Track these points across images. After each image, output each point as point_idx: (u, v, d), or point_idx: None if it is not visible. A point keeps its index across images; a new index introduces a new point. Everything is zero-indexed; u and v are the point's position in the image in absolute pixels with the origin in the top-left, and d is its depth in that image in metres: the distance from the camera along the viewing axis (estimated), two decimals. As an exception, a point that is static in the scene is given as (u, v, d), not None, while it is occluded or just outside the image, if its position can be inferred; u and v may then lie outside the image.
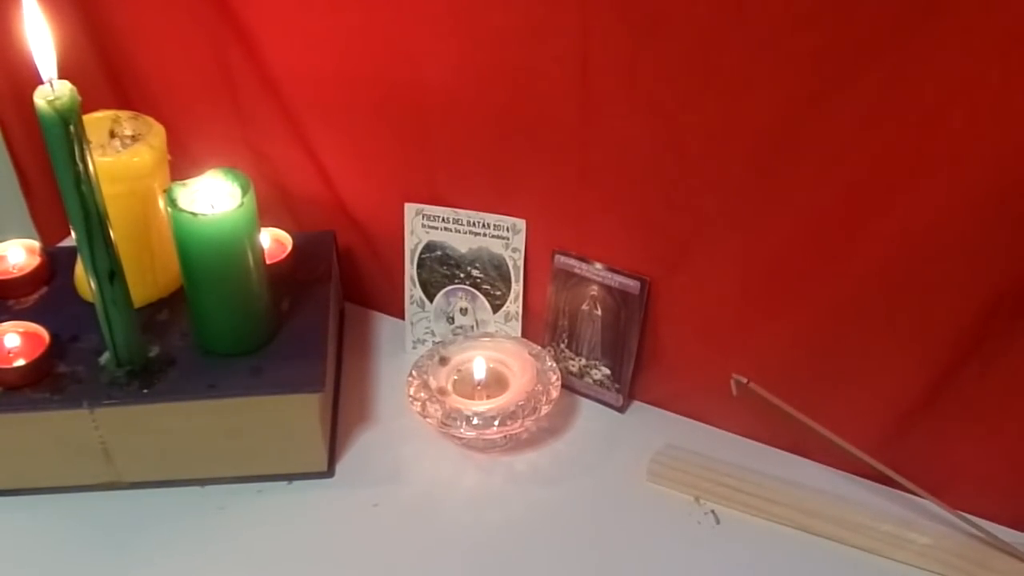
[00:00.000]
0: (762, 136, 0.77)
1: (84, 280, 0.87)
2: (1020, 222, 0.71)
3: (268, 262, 0.92)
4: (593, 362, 0.96)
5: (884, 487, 0.87)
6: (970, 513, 0.84)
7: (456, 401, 0.92)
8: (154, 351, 0.89)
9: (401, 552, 0.85)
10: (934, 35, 0.67)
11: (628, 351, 0.93)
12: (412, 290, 1.01)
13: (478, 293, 0.99)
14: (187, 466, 0.89)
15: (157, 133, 0.90)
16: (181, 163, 0.92)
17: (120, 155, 0.87)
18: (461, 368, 0.96)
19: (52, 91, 0.73)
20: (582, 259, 0.92)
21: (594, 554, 0.84)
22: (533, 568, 0.83)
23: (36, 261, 0.97)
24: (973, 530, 0.83)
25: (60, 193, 0.76)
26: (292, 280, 0.96)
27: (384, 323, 1.07)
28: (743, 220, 0.82)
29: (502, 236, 0.95)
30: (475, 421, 0.89)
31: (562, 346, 0.97)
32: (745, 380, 0.85)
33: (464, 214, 0.95)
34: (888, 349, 0.81)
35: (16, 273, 0.96)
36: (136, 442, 0.87)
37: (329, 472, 0.91)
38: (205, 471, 0.90)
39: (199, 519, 0.88)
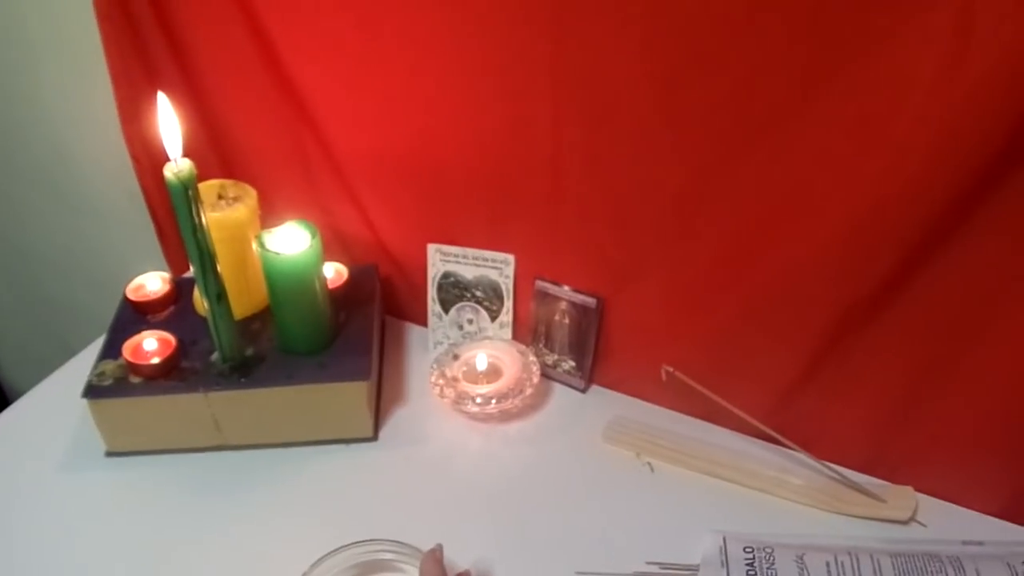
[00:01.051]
0: (682, 191, 0.76)
1: (200, 300, 0.90)
2: (863, 255, 0.70)
3: (330, 287, 0.92)
4: (563, 357, 0.95)
5: (771, 445, 0.87)
6: (831, 462, 0.84)
7: (465, 386, 0.92)
8: (250, 351, 0.88)
9: (428, 495, 0.85)
10: (806, 118, 0.67)
11: (588, 348, 0.92)
12: (433, 306, 1.00)
13: (480, 308, 0.98)
14: (275, 433, 0.88)
15: (251, 195, 0.90)
16: (268, 216, 0.91)
17: (225, 212, 0.87)
18: (468, 362, 0.95)
19: (176, 166, 0.73)
20: (555, 283, 0.92)
21: (565, 495, 0.84)
22: (522, 505, 0.83)
23: (167, 288, 0.96)
24: (832, 474, 0.83)
25: (182, 238, 0.76)
26: (347, 299, 0.95)
27: (413, 330, 1.05)
28: (670, 252, 0.81)
29: (497, 266, 0.94)
30: (479, 400, 0.90)
31: (541, 346, 0.97)
32: (671, 369, 0.85)
33: (470, 251, 0.95)
34: (775, 343, 0.80)
35: (153, 296, 0.95)
36: (238, 416, 0.87)
37: (375, 438, 0.90)
38: (287, 437, 0.89)
39: (283, 472, 0.87)
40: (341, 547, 0.72)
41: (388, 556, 0.73)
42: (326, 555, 0.71)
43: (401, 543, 0.72)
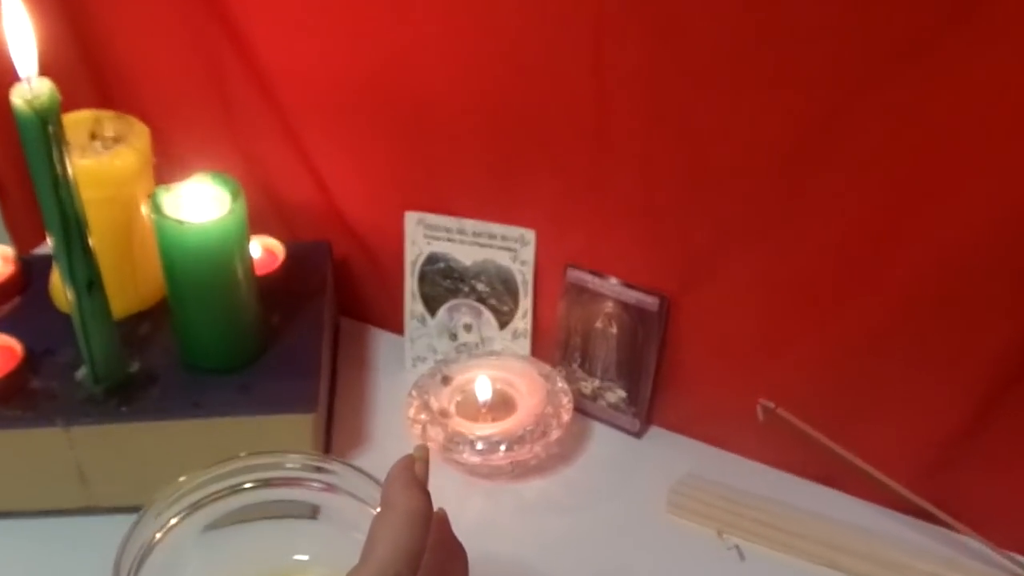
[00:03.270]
0: (788, 145, 0.77)
1: (60, 290, 0.87)
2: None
3: (258, 273, 0.92)
4: (608, 383, 0.96)
5: (922, 522, 0.87)
6: (1018, 553, 0.84)
7: (459, 424, 0.92)
8: (134, 367, 0.89)
9: None
10: (969, 39, 0.68)
11: (645, 372, 0.93)
12: (412, 305, 1.01)
13: (483, 308, 0.99)
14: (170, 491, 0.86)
15: (140, 134, 0.90)
16: (166, 167, 0.92)
17: (101, 158, 0.87)
18: (465, 388, 0.96)
19: (30, 89, 0.73)
20: (596, 273, 0.92)
21: None
22: None
23: (9, 269, 0.96)
24: (1021, 571, 0.83)
25: (36, 197, 0.77)
26: (284, 292, 0.96)
27: (382, 339, 1.07)
28: (768, 234, 0.82)
29: (510, 248, 0.95)
30: (479, 446, 0.89)
31: (574, 366, 0.97)
32: (772, 405, 0.85)
33: (469, 224, 0.96)
34: (925, 375, 0.81)
35: (-14, 282, 0.95)
36: (114, 464, 0.87)
37: None
38: None
39: (183, 546, 0.83)
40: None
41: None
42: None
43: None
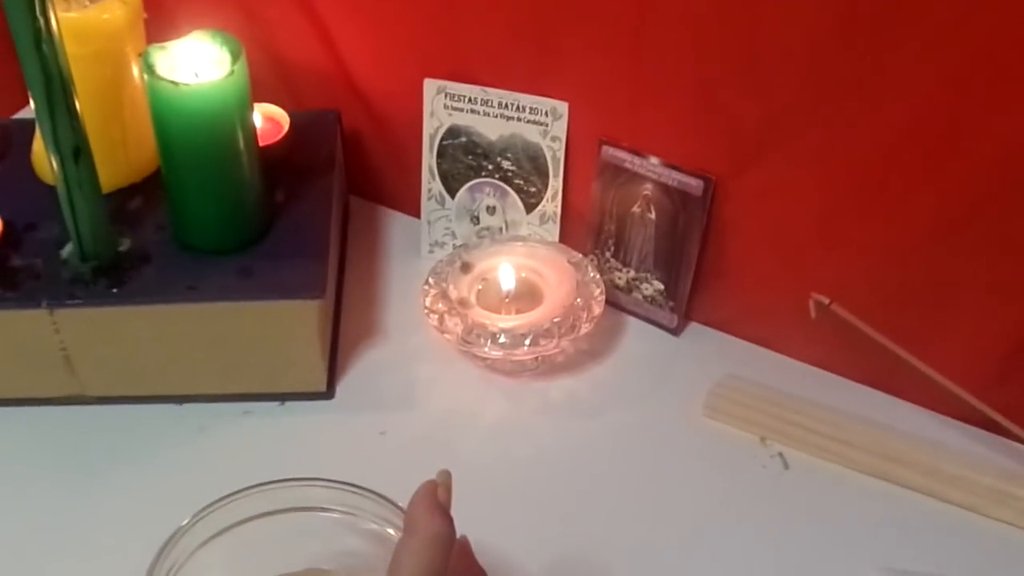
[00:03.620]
0: (854, 8, 0.76)
1: (44, 158, 0.87)
2: None
3: (261, 144, 0.92)
4: (644, 275, 0.96)
5: (985, 433, 0.88)
6: None
7: (480, 315, 0.92)
8: (125, 245, 0.89)
9: (410, 489, 0.83)
10: None
11: (686, 263, 0.93)
12: (430, 183, 1.01)
13: (509, 189, 0.99)
14: (162, 380, 0.90)
15: None
16: (160, 23, 0.92)
17: (88, 10, 0.87)
18: (487, 277, 0.96)
19: None
20: (634, 152, 0.92)
21: (637, 499, 0.84)
22: (565, 512, 0.83)
23: None
24: None
25: (17, 55, 0.76)
26: (289, 166, 0.97)
27: (396, 221, 1.07)
28: (829, 109, 0.82)
29: (540, 122, 0.95)
30: (502, 339, 0.89)
31: (607, 255, 0.97)
32: (827, 301, 0.85)
33: (495, 94, 0.95)
34: (996, 274, 0.82)
35: (-39, 149, 0.96)
36: (102, 350, 0.88)
37: (328, 393, 0.91)
38: (183, 387, 0.90)
39: (175, 441, 0.88)
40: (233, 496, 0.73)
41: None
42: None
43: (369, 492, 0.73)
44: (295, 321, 0.87)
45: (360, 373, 0.93)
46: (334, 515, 0.73)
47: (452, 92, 0.96)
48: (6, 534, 0.81)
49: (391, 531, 0.71)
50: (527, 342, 0.89)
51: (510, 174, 0.98)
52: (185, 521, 0.70)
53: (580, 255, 0.96)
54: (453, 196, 1.00)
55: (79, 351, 0.87)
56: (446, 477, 0.65)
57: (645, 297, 0.96)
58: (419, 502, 0.63)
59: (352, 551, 0.72)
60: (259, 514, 0.72)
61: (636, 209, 0.93)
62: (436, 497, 0.63)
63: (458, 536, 0.63)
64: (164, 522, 0.79)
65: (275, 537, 0.72)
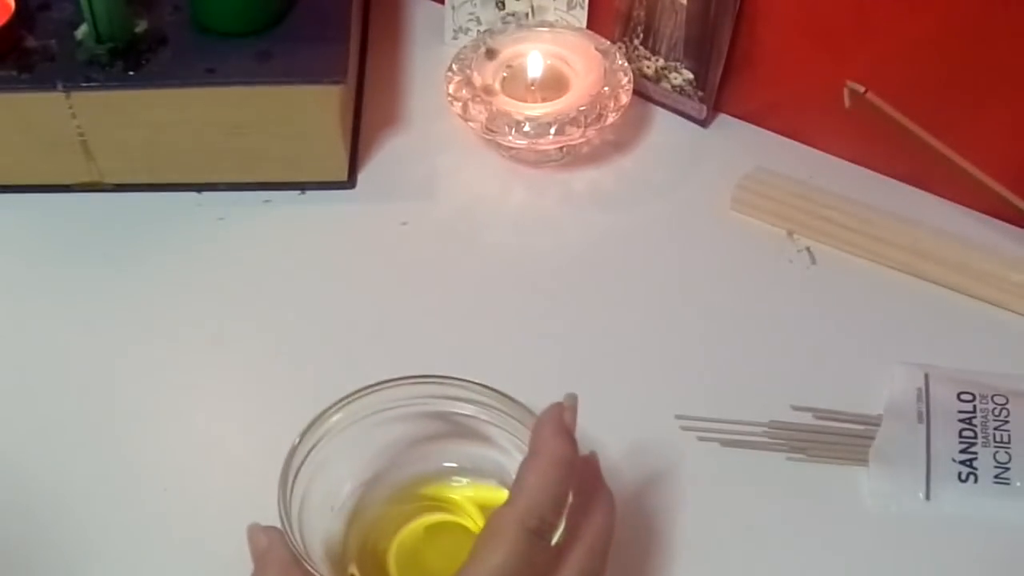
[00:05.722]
0: None
1: None
2: None
3: None
4: (673, 63, 0.95)
5: (1020, 229, 0.87)
6: None
7: (505, 103, 0.91)
8: (141, 26, 0.88)
9: (432, 279, 0.86)
10: None
11: (717, 50, 0.91)
12: None
13: None
14: (181, 168, 0.90)
15: None
16: None
17: None
18: (512, 63, 0.95)
19: None
20: None
21: (660, 292, 0.85)
22: (586, 304, 0.84)
23: None
24: None
25: None
26: None
27: (419, 6, 1.05)
28: None
29: None
30: (527, 127, 0.89)
31: (636, 42, 0.96)
32: (862, 89, 0.84)
33: None
34: None
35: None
36: (120, 136, 0.88)
37: (350, 182, 0.92)
38: (202, 175, 0.91)
39: (193, 229, 0.89)
40: (369, 388, 0.71)
41: (460, 408, 0.72)
42: (346, 400, 0.70)
43: (479, 385, 0.70)
44: (316, 107, 0.86)
45: (382, 162, 0.93)
46: (469, 417, 0.73)
47: None
48: (21, 316, 0.83)
49: (521, 444, 0.70)
50: (552, 131, 0.88)
51: (538, -44, 0.96)
52: (329, 407, 0.69)
53: (608, 42, 0.94)
54: (478, -20, 0.99)
55: (96, 136, 0.87)
56: (572, 400, 0.67)
57: (674, 87, 0.95)
58: (545, 423, 0.65)
59: (481, 456, 0.73)
60: (398, 405, 0.72)
61: (668, -5, 0.92)
62: (563, 420, 0.65)
63: (587, 453, 0.66)
64: (189, 309, 0.83)
65: (409, 434, 0.73)
